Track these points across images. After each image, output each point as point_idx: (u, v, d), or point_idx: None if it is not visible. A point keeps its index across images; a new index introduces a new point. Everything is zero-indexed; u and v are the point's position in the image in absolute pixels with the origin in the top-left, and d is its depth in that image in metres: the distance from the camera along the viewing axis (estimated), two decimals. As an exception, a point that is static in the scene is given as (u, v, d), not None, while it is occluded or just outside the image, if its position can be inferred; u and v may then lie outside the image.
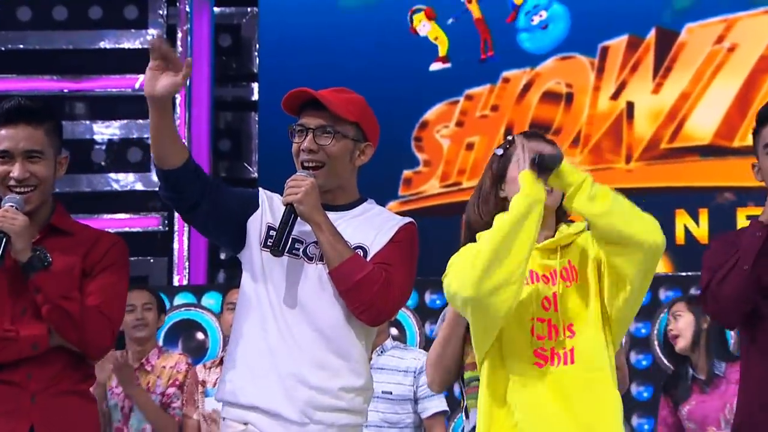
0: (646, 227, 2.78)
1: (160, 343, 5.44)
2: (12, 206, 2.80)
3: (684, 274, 6.68)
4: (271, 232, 2.88)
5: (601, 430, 2.70)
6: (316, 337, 2.86)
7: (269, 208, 2.93)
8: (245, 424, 2.83)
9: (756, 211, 6.75)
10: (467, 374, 3.23)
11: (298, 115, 2.97)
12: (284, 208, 2.87)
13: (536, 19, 7.09)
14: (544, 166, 2.70)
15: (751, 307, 3.02)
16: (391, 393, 4.27)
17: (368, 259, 2.91)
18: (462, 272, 2.67)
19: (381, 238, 2.96)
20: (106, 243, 2.95)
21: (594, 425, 2.70)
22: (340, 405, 2.84)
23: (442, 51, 7.17)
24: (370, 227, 2.96)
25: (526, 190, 2.70)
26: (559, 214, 2.91)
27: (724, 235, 3.17)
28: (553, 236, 2.86)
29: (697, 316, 4.46)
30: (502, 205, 2.81)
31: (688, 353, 4.50)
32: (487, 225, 2.76)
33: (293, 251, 2.89)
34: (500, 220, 2.69)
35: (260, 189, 2.98)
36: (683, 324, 4.47)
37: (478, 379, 2.94)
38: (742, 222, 6.75)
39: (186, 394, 4.79)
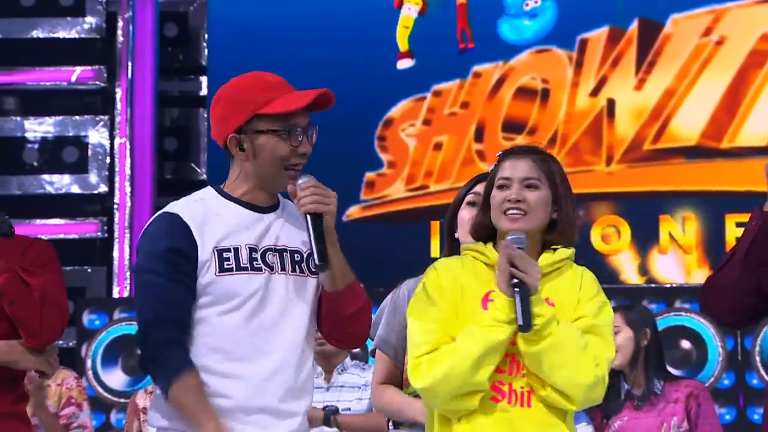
0: (573, 389, 2.80)
1: (98, 362, 5.41)
2: None
3: (668, 285, 6.72)
4: (225, 254, 2.89)
5: None
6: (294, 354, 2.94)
7: (201, 230, 2.91)
8: None
9: (745, 217, 6.80)
10: (410, 389, 3.24)
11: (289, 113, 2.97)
12: (307, 216, 2.89)
13: (530, 4, 7.10)
14: (522, 293, 2.80)
15: (748, 303, 3.04)
16: (349, 410, 4.36)
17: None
18: (438, 386, 2.82)
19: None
20: (40, 244, 2.99)
21: None
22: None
23: (404, 46, 7.17)
24: (300, 227, 2.99)
25: (497, 333, 2.80)
26: (545, 240, 2.93)
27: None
28: None
29: (637, 331, 4.53)
30: (487, 228, 2.93)
31: (623, 368, 4.56)
32: (481, 238, 2.90)
33: (254, 266, 2.92)
34: (467, 349, 2.80)
35: (181, 221, 2.89)
36: (621, 339, 4.52)
37: (418, 395, 3.04)
38: (730, 229, 6.80)
39: (125, 423, 4.75)
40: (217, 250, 2.89)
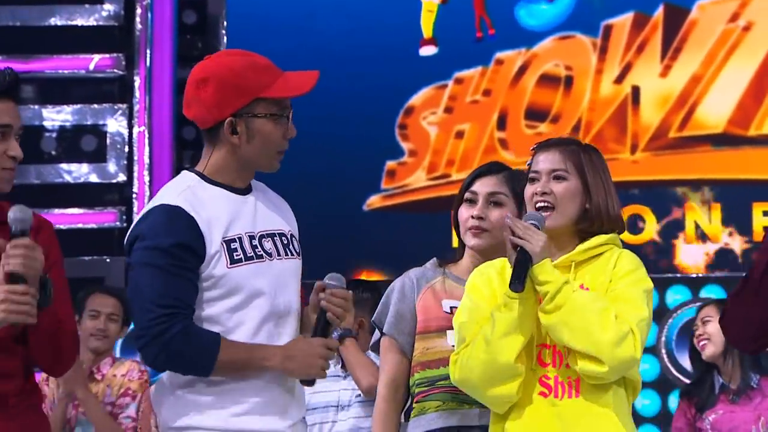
0: (597, 347, 2.82)
1: (117, 351, 5.43)
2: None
3: (694, 275, 6.71)
4: (233, 245, 2.88)
5: None
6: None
7: (206, 221, 2.88)
8: None
9: (773, 206, 6.78)
10: (416, 375, 3.27)
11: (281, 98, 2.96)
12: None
13: (547, -13, 7.09)
14: (519, 256, 2.84)
15: (763, 334, 3.04)
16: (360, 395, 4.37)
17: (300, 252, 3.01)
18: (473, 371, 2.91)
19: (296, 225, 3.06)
20: (47, 229, 2.92)
21: None
22: None
23: (428, 32, 7.16)
24: (276, 209, 3.01)
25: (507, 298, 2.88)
26: (580, 229, 2.95)
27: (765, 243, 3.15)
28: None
29: None
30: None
31: (716, 360, 4.55)
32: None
33: (257, 253, 2.92)
34: (485, 333, 2.87)
35: (185, 214, 2.87)
36: (713, 329, 4.51)
37: (428, 383, 3.17)
38: (758, 218, 6.78)
39: (142, 416, 4.77)
40: (225, 242, 2.88)
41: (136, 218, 2.96)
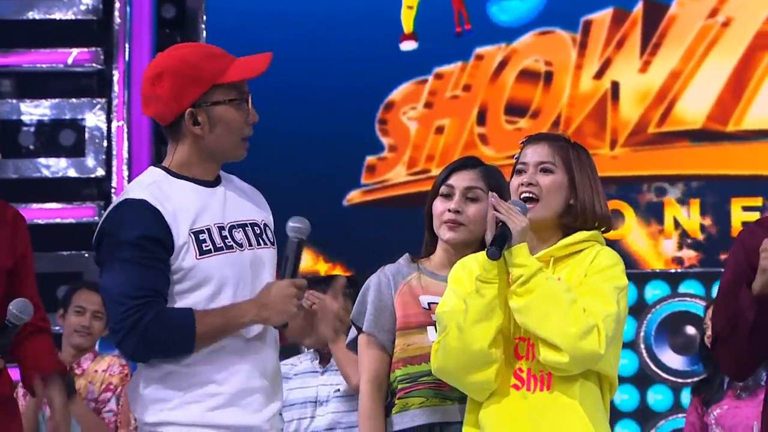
0: (561, 337, 2.84)
1: (96, 347, 5.42)
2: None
3: (673, 270, 6.73)
4: (201, 236, 2.87)
5: None
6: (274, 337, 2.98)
7: (172, 214, 2.88)
8: None
9: (751, 201, 6.81)
10: (397, 372, 3.26)
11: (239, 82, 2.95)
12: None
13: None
14: (501, 229, 2.88)
15: (759, 361, 3.06)
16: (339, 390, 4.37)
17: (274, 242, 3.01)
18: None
19: (270, 216, 3.06)
20: (22, 222, 2.93)
21: None
22: None
23: (408, 27, 7.17)
24: (248, 198, 3.02)
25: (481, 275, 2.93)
26: (563, 224, 2.97)
27: (736, 246, 3.15)
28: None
29: None
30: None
31: None
32: None
33: (227, 244, 2.91)
34: (458, 320, 2.91)
35: (151, 207, 2.87)
36: None
37: (410, 379, 3.18)
38: (736, 214, 6.81)
39: (121, 410, 4.77)
40: (193, 233, 2.87)
41: (101, 219, 2.96)
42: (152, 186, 2.90)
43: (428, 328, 3.22)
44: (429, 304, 3.25)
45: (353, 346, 3.39)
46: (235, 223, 2.93)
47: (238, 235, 2.92)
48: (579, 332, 2.81)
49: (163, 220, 2.85)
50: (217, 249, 2.88)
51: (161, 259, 2.84)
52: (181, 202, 2.88)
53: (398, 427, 3.23)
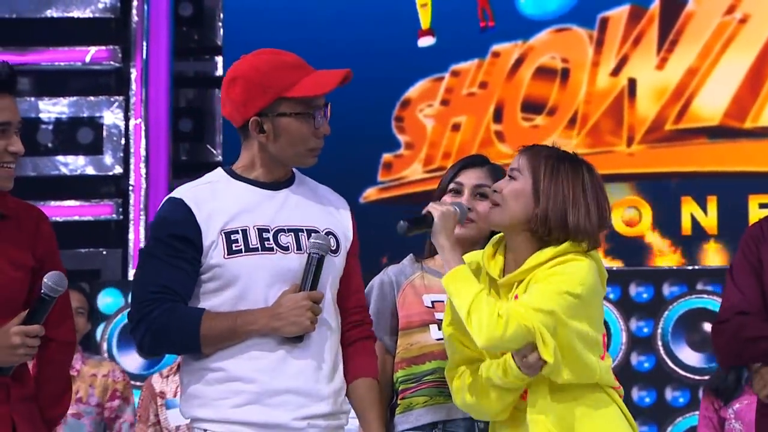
0: (470, 327, 2.91)
1: (114, 344, 5.46)
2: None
3: (691, 267, 6.72)
4: (233, 236, 2.91)
5: None
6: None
7: (206, 213, 2.93)
8: None
9: (769, 198, 6.80)
10: (401, 372, 3.25)
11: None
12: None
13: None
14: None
15: None
16: None
17: (341, 249, 3.03)
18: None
19: (346, 222, 3.09)
20: (46, 225, 2.98)
21: None
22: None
23: (425, 23, 7.17)
24: (318, 205, 3.05)
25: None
26: (536, 233, 2.96)
27: (745, 243, 3.16)
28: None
29: None
30: None
31: None
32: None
33: (265, 245, 2.94)
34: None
35: (184, 205, 2.93)
36: None
37: (414, 379, 3.19)
38: (753, 211, 6.79)
39: (140, 408, 4.78)
40: (224, 233, 2.91)
41: None
42: (203, 186, 2.97)
43: (431, 326, 3.21)
44: (432, 302, 3.24)
45: None
46: (285, 227, 2.95)
47: (285, 238, 2.94)
48: (508, 334, 2.85)
49: (194, 219, 2.90)
50: (249, 250, 2.91)
51: (188, 258, 2.90)
52: (224, 203, 2.93)
53: (402, 427, 3.21)
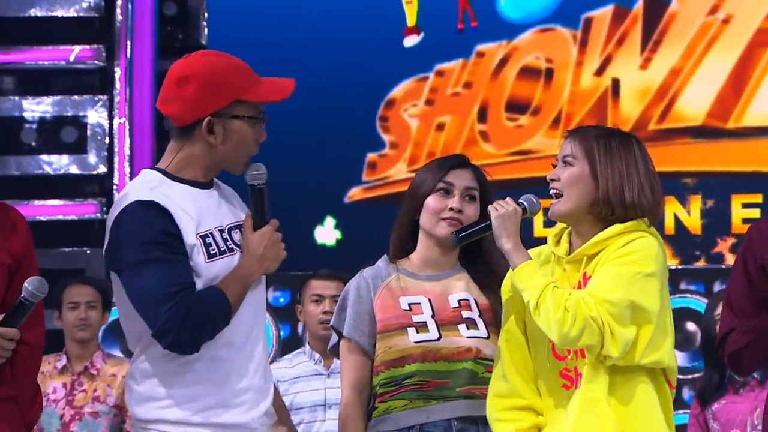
0: (538, 320, 2.90)
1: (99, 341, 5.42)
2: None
3: (674, 267, 6.73)
4: (207, 239, 2.94)
5: None
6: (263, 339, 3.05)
7: (179, 216, 2.93)
8: None
9: (751, 198, 6.81)
10: (380, 375, 3.24)
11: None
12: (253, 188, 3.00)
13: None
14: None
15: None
16: None
17: None
18: None
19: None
20: (23, 225, 2.98)
21: None
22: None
23: (411, 20, 7.16)
24: (234, 199, 3.08)
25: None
26: (601, 215, 2.95)
27: (744, 246, 3.16)
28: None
29: None
30: None
31: None
32: None
33: (228, 246, 2.98)
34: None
35: (162, 208, 2.92)
36: None
37: (393, 383, 3.17)
38: (737, 211, 6.81)
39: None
40: (200, 236, 2.93)
41: (108, 226, 2.96)
42: (156, 189, 2.94)
43: (408, 329, 3.20)
44: (409, 304, 3.22)
45: (335, 351, 3.35)
46: (231, 225, 2.99)
47: (236, 236, 2.98)
48: (575, 332, 2.82)
49: (174, 220, 2.90)
50: (221, 252, 2.94)
51: (184, 252, 2.90)
52: (183, 205, 2.93)
53: (379, 429, 3.20)
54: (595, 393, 2.85)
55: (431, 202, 3.26)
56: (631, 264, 2.87)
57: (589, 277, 2.89)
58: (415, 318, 3.19)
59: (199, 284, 2.91)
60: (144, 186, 2.95)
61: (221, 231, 2.96)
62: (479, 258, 3.29)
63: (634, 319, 2.85)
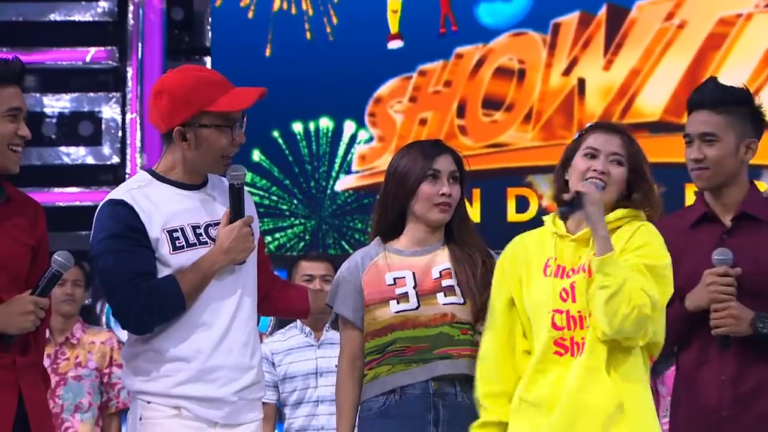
0: (600, 315, 2.87)
1: (111, 316, 5.44)
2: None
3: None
4: (174, 234, 3.00)
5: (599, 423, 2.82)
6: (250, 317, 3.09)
7: (147, 214, 3.00)
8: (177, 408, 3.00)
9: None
10: (367, 345, 3.25)
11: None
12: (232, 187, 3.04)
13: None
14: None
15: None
16: None
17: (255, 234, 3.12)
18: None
19: (251, 210, 3.16)
20: (41, 212, 3.06)
21: (596, 412, 2.82)
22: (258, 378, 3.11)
23: (394, 28, 7.17)
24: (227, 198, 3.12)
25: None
26: (622, 198, 3.00)
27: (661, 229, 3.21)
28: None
29: None
30: (562, 187, 3.00)
31: None
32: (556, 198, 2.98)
33: (201, 240, 3.03)
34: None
35: (128, 206, 2.99)
36: None
37: (378, 351, 3.18)
38: (690, 197, 6.84)
39: None
40: (166, 231, 3.00)
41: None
42: (135, 189, 3.03)
43: (390, 302, 3.20)
44: (394, 279, 3.23)
45: (335, 325, 3.37)
46: (212, 222, 3.05)
47: (214, 232, 3.03)
48: (631, 329, 2.83)
49: (138, 216, 2.98)
50: (190, 245, 3.00)
51: (146, 245, 2.98)
52: (158, 204, 3.01)
53: (368, 395, 3.22)
54: (596, 362, 2.85)
55: (425, 189, 3.23)
56: (656, 257, 2.90)
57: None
58: (398, 290, 3.20)
59: (167, 272, 2.98)
60: (125, 186, 3.06)
61: (195, 227, 3.02)
62: (451, 238, 3.29)
63: (657, 309, 2.90)
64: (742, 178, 3.24)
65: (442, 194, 3.22)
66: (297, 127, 7.02)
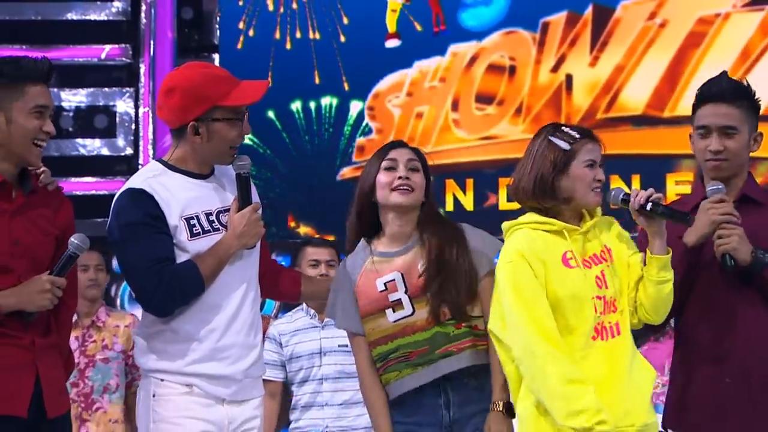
0: (659, 305, 3.03)
1: (126, 299, 5.44)
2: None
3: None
4: (191, 221, 2.99)
5: (644, 394, 2.94)
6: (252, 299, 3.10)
7: (165, 202, 2.99)
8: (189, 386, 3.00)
9: (683, 176, 6.84)
10: (375, 351, 3.19)
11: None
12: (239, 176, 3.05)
13: (483, -7, 7.09)
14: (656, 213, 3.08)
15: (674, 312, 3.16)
16: (347, 346, 4.33)
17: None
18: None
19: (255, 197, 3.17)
20: (67, 203, 3.04)
21: (641, 387, 2.93)
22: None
23: (392, 28, 7.15)
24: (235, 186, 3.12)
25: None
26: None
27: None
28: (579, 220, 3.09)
29: None
30: (553, 194, 3.07)
31: None
32: (530, 202, 3.00)
33: (214, 227, 3.03)
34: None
35: (147, 194, 2.98)
36: None
37: (382, 358, 3.12)
38: (671, 187, 6.84)
39: None
40: (184, 218, 2.99)
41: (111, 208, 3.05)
42: (151, 178, 3.01)
43: (386, 310, 3.13)
44: (385, 284, 3.14)
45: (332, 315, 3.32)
46: (222, 209, 3.04)
47: (224, 218, 3.03)
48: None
49: (158, 204, 2.97)
50: (205, 231, 3.00)
51: (166, 231, 2.96)
52: (174, 192, 3.00)
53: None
54: (632, 343, 2.96)
55: (381, 177, 3.16)
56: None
57: (609, 248, 3.09)
58: (392, 297, 3.12)
59: (185, 257, 2.97)
60: (142, 175, 3.04)
61: (208, 214, 3.01)
62: (425, 231, 3.18)
63: None
64: (747, 168, 3.24)
65: (399, 177, 3.13)
66: (297, 107, 7.03)
